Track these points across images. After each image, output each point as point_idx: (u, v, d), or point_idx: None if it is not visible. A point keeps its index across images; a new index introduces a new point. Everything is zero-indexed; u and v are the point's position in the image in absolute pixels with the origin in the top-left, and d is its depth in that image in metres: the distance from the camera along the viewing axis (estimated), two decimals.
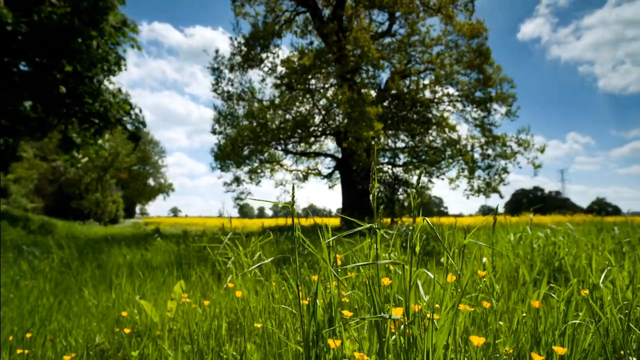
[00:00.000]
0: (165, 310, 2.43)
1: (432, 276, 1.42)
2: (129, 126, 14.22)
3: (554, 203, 60.94)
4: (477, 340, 1.26)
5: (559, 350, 1.33)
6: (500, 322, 1.81)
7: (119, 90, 13.77)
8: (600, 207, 58.90)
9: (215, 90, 17.80)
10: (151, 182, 54.12)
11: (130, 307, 2.93)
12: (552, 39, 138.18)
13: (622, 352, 1.59)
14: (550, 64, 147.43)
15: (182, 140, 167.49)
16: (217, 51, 17.59)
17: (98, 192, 35.96)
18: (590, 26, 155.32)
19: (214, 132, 17.78)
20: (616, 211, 57.00)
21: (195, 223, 31.27)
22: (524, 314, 1.79)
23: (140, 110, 14.43)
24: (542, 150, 16.04)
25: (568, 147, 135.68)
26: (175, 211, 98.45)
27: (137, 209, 65.81)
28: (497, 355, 1.52)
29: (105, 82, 13.24)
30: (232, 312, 2.33)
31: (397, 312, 1.21)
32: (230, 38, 17.50)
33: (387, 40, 17.62)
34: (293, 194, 1.30)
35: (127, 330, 2.23)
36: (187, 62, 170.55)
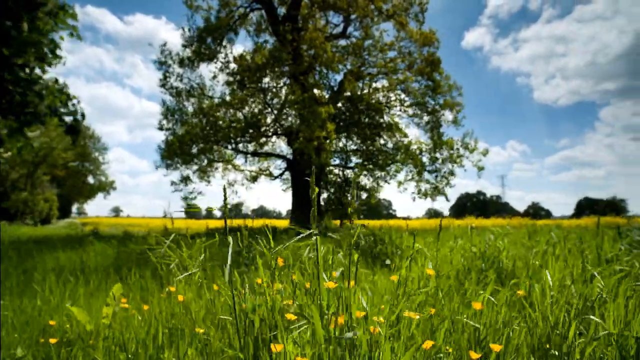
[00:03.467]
0: (100, 317, 2.26)
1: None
2: (66, 118, 13.14)
3: (495, 207, 65.26)
4: (426, 344, 1.28)
5: (495, 347, 1.39)
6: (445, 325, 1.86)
7: (56, 81, 12.71)
8: (535, 211, 64.03)
9: (163, 86, 17.05)
10: (90, 179, 50.73)
11: (59, 314, 2.70)
12: (493, 49, 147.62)
13: (547, 346, 1.72)
14: (491, 73, 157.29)
15: (122, 135, 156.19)
16: (164, 44, 16.88)
17: (27, 190, 33.04)
18: (526, 39, 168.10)
19: (160, 128, 17.03)
20: (548, 215, 62.32)
21: (138, 224, 29.68)
22: (466, 317, 1.85)
23: (79, 102, 13.42)
24: (484, 154, 17.05)
25: (508, 154, 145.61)
26: (116, 211, 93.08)
27: (74, 208, 61.56)
28: (440, 355, 1.56)
29: (38, 71, 12.12)
30: (173, 318, 2.22)
31: (340, 320, 1.20)
32: (183, 29, 16.82)
33: (342, 42, 17.85)
34: (225, 196, 1.24)
35: (53, 340, 2.04)
36: (127, 51, 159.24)
